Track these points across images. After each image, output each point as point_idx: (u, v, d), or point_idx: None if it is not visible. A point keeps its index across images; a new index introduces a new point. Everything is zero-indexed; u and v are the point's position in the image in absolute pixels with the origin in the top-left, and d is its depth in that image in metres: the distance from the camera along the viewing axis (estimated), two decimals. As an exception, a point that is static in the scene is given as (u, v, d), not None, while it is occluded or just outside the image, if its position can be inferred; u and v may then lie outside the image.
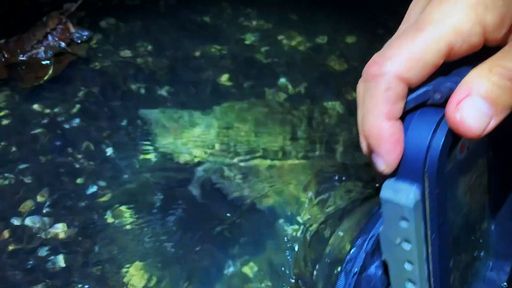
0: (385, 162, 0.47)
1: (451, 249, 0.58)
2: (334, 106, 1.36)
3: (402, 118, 0.48)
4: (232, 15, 1.63)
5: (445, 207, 0.50)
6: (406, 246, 0.51)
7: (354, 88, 1.38)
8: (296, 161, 1.23)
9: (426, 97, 0.47)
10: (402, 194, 0.48)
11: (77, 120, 1.26)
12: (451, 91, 0.45)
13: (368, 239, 0.57)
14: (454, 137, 0.46)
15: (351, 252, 0.59)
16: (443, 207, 0.50)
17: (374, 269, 0.60)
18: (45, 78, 1.27)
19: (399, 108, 0.46)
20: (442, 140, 0.45)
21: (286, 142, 1.28)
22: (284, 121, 1.32)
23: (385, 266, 0.60)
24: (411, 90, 0.47)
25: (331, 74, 1.46)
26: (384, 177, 0.50)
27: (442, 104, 0.46)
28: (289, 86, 1.43)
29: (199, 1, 1.66)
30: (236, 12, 1.64)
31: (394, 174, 0.48)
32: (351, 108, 1.38)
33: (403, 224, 0.49)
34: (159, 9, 1.62)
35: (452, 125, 0.43)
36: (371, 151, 0.48)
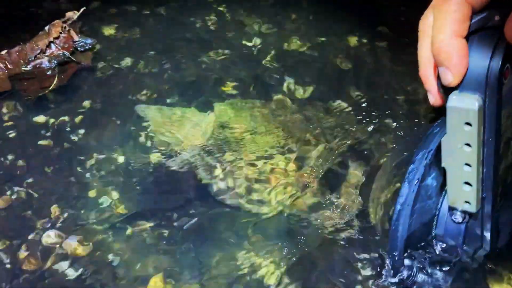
0: (453, 74, 0.56)
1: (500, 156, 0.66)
2: (340, 105, 1.36)
3: (467, 38, 0.56)
4: (234, 19, 1.62)
5: (500, 115, 0.59)
6: (467, 149, 0.61)
7: (359, 86, 1.37)
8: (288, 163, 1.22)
9: (487, 20, 0.55)
10: (467, 101, 0.57)
11: (83, 130, 1.24)
12: (508, 14, 0.52)
13: (426, 153, 0.69)
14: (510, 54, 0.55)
15: (412, 164, 0.70)
16: (499, 114, 0.59)
17: (430, 180, 0.71)
18: (50, 88, 1.24)
19: (465, 27, 0.55)
20: (502, 56, 0.54)
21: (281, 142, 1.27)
22: (285, 122, 1.32)
23: (439, 179, 0.72)
24: (474, 14, 0.55)
25: (336, 74, 1.45)
26: (447, 92, 0.59)
27: (501, 26, 0.53)
28: (295, 88, 1.42)
29: (200, 7, 1.64)
30: (237, 16, 1.63)
31: (459, 86, 0.58)
32: (358, 106, 1.39)
33: (467, 128, 0.59)
34: (160, 15, 1.60)
35: (509, 39, 0.52)
36: (438, 66, 0.58)
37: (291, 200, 1.10)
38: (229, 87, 1.40)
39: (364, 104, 1.35)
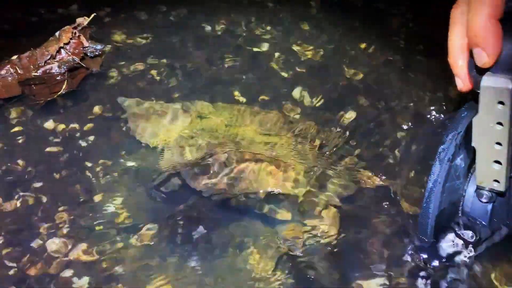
0: (488, 55, 0.58)
1: None
2: (351, 116, 1.33)
3: (501, 21, 0.58)
4: (244, 26, 1.60)
5: None
6: (499, 128, 0.63)
7: (367, 95, 1.31)
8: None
9: None
10: (501, 81, 0.60)
11: (92, 137, 1.23)
12: None
13: (457, 134, 0.72)
14: None
15: (443, 145, 0.74)
16: None
17: (459, 161, 0.75)
18: (59, 93, 1.24)
19: (500, 11, 0.57)
20: None
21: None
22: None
23: (466, 161, 0.76)
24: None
25: (345, 82, 1.43)
26: (478, 75, 0.63)
27: None
28: (304, 95, 1.40)
29: (210, 13, 1.63)
30: (247, 23, 1.61)
31: (492, 68, 0.60)
32: (365, 114, 1.35)
33: (499, 107, 0.61)
34: (170, 21, 1.60)
35: None
36: (473, 48, 0.60)
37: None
38: (237, 94, 1.39)
39: (371, 114, 1.34)
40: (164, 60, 1.44)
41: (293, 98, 1.39)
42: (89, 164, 1.17)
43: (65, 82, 1.25)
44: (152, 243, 1.03)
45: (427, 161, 0.83)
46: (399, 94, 1.39)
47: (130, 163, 1.18)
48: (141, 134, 1.22)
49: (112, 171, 1.16)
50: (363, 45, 1.53)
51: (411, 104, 1.35)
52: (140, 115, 1.24)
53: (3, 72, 1.23)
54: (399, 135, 1.26)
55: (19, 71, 1.25)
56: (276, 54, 1.50)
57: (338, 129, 1.28)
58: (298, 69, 1.46)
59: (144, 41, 1.51)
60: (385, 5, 1.67)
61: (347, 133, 1.27)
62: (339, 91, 1.41)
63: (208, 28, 1.57)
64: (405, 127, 1.29)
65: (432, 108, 1.33)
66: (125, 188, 1.14)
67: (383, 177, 1.15)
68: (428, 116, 1.32)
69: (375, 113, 1.33)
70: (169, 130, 1.23)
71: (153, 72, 1.41)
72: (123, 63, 1.41)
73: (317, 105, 1.38)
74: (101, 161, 1.18)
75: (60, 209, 1.08)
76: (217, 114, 1.27)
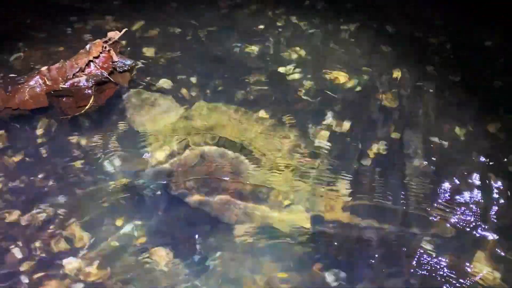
0: None
1: None
2: (378, 149, 1.28)
3: None
4: (273, 47, 1.55)
5: None
6: None
7: (398, 126, 1.28)
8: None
9: None
10: None
11: (116, 154, 1.20)
12: None
13: None
14: None
15: None
16: None
17: None
18: (86, 107, 1.22)
19: None
20: None
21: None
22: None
23: None
24: None
25: (378, 111, 1.36)
26: None
27: None
28: (332, 121, 1.34)
29: (242, 33, 1.59)
30: (277, 44, 1.56)
31: None
32: (394, 150, 1.29)
33: None
34: (200, 38, 1.57)
35: None
36: None
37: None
38: (263, 114, 1.35)
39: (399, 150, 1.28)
40: (193, 79, 1.41)
41: (320, 123, 1.35)
42: (111, 183, 1.14)
43: (92, 97, 1.22)
44: (168, 265, 1.00)
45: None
46: (434, 126, 1.33)
47: (150, 183, 1.15)
48: (134, 121, 1.28)
49: (133, 191, 1.14)
50: (397, 73, 1.47)
51: (446, 142, 1.28)
52: (137, 104, 1.31)
53: (32, 82, 1.22)
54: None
55: (47, 82, 1.23)
56: (306, 77, 1.45)
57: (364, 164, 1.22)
58: (328, 94, 1.41)
59: (173, 57, 1.48)
60: (422, 33, 1.61)
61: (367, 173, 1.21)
62: (369, 119, 1.35)
63: (239, 47, 1.54)
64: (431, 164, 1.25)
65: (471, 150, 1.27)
66: (143, 209, 1.11)
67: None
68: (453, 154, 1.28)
69: (407, 148, 1.28)
70: (158, 120, 1.28)
71: (183, 91, 1.37)
72: (152, 78, 1.38)
73: (345, 132, 1.33)
74: (122, 180, 1.16)
75: (78, 226, 1.06)
76: (207, 116, 1.30)
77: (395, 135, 1.29)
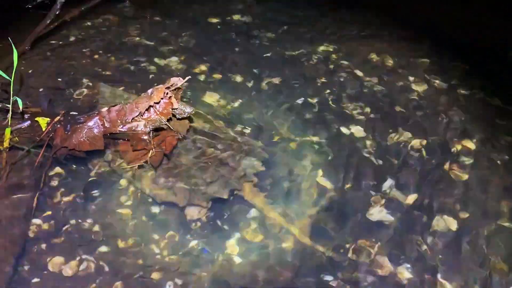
0: None
1: None
2: (443, 227, 1.13)
3: None
4: (335, 102, 1.45)
5: None
6: None
7: (467, 205, 1.11)
8: None
9: None
10: None
11: (164, 206, 1.12)
12: None
13: None
14: None
15: None
16: None
17: None
18: (149, 156, 1.15)
19: None
20: None
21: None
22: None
23: None
24: None
25: (448, 182, 1.22)
26: None
27: None
28: (394, 190, 1.21)
29: (305, 86, 1.50)
30: (339, 99, 1.46)
31: None
32: (464, 228, 1.14)
33: None
34: (262, 89, 1.48)
35: None
36: None
37: None
38: (320, 173, 1.24)
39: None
40: (252, 129, 1.33)
41: (381, 190, 1.22)
42: (155, 236, 1.06)
43: (152, 146, 1.16)
44: None
45: None
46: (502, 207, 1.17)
47: (195, 241, 1.06)
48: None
49: (177, 246, 1.05)
50: (469, 142, 1.33)
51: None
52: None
53: (91, 123, 1.18)
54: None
55: (106, 124, 1.18)
56: (369, 137, 1.33)
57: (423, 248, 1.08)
58: (392, 158, 1.28)
59: (234, 105, 1.41)
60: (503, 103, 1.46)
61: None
62: (436, 190, 1.21)
63: (301, 100, 1.45)
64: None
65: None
66: (186, 266, 1.01)
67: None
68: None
69: (476, 228, 1.13)
70: None
71: (243, 138, 1.28)
72: (208, 126, 1.30)
73: (409, 203, 1.20)
74: (170, 233, 1.07)
75: (119, 281, 0.98)
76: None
77: (463, 216, 1.14)
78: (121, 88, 1.42)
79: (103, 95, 1.36)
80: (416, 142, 1.32)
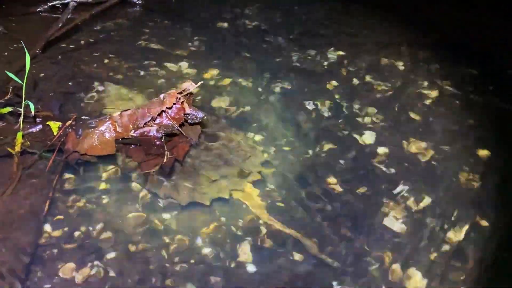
0: None
1: None
2: (458, 237, 1.11)
3: None
4: (346, 108, 1.43)
5: None
6: None
7: (484, 211, 1.09)
8: None
9: None
10: None
11: (176, 211, 1.11)
12: None
13: None
14: None
15: None
16: None
17: None
18: (163, 162, 1.14)
19: None
20: None
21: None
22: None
23: None
24: None
25: (460, 190, 1.20)
26: None
27: None
28: (407, 195, 1.20)
29: (316, 93, 1.48)
30: (350, 106, 1.44)
31: None
32: (486, 236, 1.12)
33: None
34: (273, 91, 1.47)
35: None
36: None
37: None
38: (332, 181, 1.23)
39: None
40: (260, 136, 1.32)
41: (394, 197, 1.20)
42: (166, 241, 1.05)
43: (166, 152, 1.15)
44: None
45: None
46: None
47: (207, 249, 1.04)
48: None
49: (186, 254, 1.03)
50: (483, 151, 1.31)
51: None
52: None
53: (102, 128, 1.17)
54: None
55: (117, 129, 1.17)
56: (381, 144, 1.31)
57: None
58: (405, 165, 1.26)
59: (244, 110, 1.40)
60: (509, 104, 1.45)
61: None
62: (449, 199, 1.19)
63: (312, 107, 1.43)
64: None
65: None
66: (196, 274, 1.00)
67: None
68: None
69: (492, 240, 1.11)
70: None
71: (254, 143, 1.28)
72: (221, 134, 1.28)
73: (421, 208, 1.18)
74: (178, 239, 1.06)
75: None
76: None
77: (482, 224, 1.12)
78: (126, 88, 1.42)
79: (108, 94, 1.38)
80: (428, 149, 1.30)
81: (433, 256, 1.05)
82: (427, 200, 1.18)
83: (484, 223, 1.12)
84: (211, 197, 1.12)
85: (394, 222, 1.13)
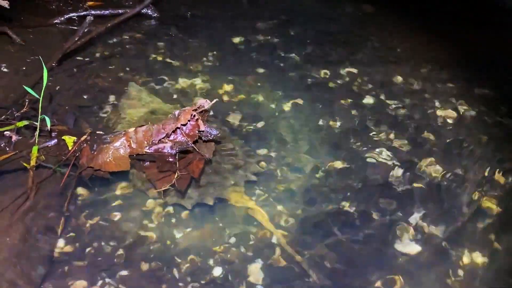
0: None
1: None
2: (475, 259, 1.08)
3: None
4: (360, 125, 1.42)
5: None
6: None
7: (501, 238, 1.05)
8: None
9: None
10: None
11: (189, 228, 1.10)
12: None
13: None
14: None
15: None
16: None
17: None
18: (174, 179, 1.12)
19: None
20: None
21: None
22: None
23: None
24: None
25: (478, 216, 1.18)
26: None
27: None
28: (421, 223, 1.17)
29: (328, 107, 1.48)
30: (363, 122, 1.43)
31: None
32: (500, 263, 1.10)
33: None
34: (283, 110, 1.46)
35: None
36: None
37: None
38: (345, 204, 1.20)
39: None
40: (274, 153, 1.30)
41: (407, 220, 1.17)
42: (179, 260, 1.04)
43: (177, 170, 1.13)
44: None
45: None
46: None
47: (219, 268, 1.03)
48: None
49: (199, 274, 1.01)
50: (500, 173, 1.28)
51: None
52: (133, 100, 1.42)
53: (117, 143, 1.16)
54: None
55: (132, 145, 1.16)
56: (394, 163, 1.29)
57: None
58: (416, 185, 1.24)
59: (259, 127, 1.39)
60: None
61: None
62: (465, 224, 1.16)
63: (324, 122, 1.42)
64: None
65: None
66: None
67: None
68: None
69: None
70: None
71: (262, 164, 1.27)
72: (237, 152, 1.26)
73: (436, 231, 1.15)
74: (191, 259, 1.04)
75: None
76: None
77: (498, 248, 1.10)
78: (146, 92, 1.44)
79: (129, 93, 1.43)
80: (443, 171, 1.28)
81: (449, 281, 1.03)
82: (442, 223, 1.16)
83: (501, 247, 1.09)
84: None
85: (407, 244, 1.11)
